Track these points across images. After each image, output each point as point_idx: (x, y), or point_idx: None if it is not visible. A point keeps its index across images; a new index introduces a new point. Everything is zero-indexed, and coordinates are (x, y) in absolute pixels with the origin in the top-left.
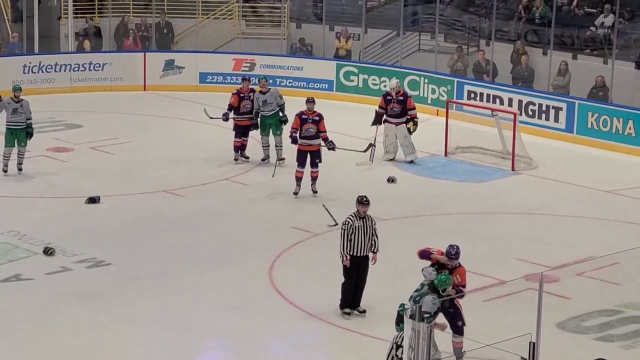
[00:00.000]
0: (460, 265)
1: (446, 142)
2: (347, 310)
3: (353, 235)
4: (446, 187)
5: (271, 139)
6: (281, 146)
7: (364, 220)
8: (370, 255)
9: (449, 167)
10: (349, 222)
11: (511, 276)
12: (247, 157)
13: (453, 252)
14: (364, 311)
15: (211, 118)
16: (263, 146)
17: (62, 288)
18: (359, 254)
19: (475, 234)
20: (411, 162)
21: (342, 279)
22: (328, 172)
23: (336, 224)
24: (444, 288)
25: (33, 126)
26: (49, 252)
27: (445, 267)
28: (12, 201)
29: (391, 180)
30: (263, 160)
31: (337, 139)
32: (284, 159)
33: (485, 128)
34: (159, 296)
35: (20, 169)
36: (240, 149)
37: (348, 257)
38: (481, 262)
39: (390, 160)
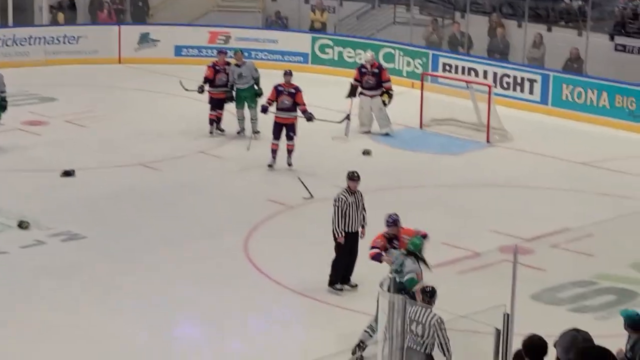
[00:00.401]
0: (400, 228)
1: (421, 115)
2: (338, 286)
3: (347, 211)
4: (421, 160)
5: (246, 112)
6: (256, 119)
7: (355, 195)
8: (360, 229)
9: (424, 139)
10: (342, 199)
11: (486, 248)
12: (223, 130)
13: (391, 220)
14: (356, 285)
15: (187, 90)
16: (238, 119)
17: (36, 262)
18: (352, 230)
19: (450, 206)
20: (386, 134)
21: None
22: (304, 145)
23: (312, 197)
24: (419, 249)
25: (7, 99)
26: (24, 225)
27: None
28: None
29: (366, 152)
30: (238, 133)
31: (312, 111)
32: (258, 132)
33: (460, 100)
34: (134, 270)
35: None
36: (215, 121)
37: (343, 234)
38: (456, 234)
39: (366, 132)
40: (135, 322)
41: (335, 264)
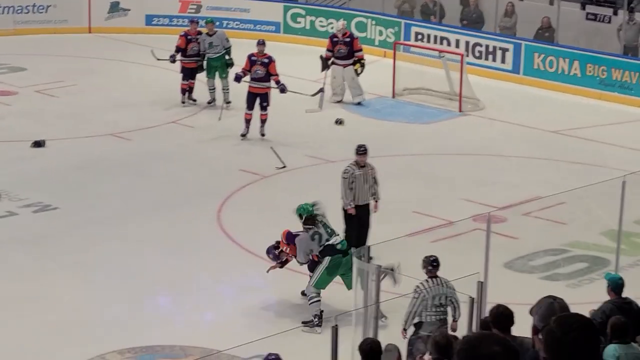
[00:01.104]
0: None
1: (394, 84)
2: None
3: (354, 184)
4: (394, 129)
5: (217, 81)
6: (228, 89)
7: (365, 168)
8: (372, 203)
9: (397, 108)
10: (349, 171)
11: (458, 217)
12: (195, 100)
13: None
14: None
15: (158, 59)
16: (209, 89)
17: (7, 233)
18: (360, 203)
19: (423, 175)
20: (359, 103)
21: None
22: (277, 114)
23: (284, 167)
24: (311, 213)
25: None
26: None
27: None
28: None
29: (339, 122)
30: (209, 103)
31: (285, 81)
32: (230, 102)
33: (432, 69)
34: (105, 241)
35: None
36: (187, 91)
37: (352, 205)
38: (428, 203)
39: (338, 102)
40: (107, 292)
41: (346, 235)
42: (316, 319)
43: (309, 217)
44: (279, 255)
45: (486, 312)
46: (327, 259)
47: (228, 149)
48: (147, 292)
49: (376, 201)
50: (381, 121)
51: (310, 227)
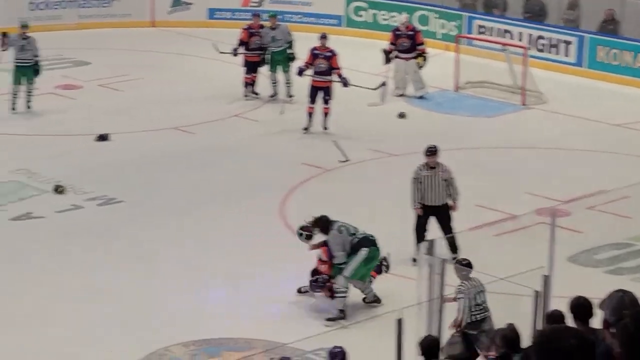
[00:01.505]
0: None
1: (456, 77)
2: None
3: (421, 185)
4: (456, 122)
5: (280, 75)
6: (290, 83)
7: (434, 170)
8: (447, 202)
9: (459, 102)
10: (416, 171)
11: (522, 210)
12: (257, 94)
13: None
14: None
15: (220, 52)
16: (272, 83)
17: (72, 226)
18: (432, 204)
19: (486, 169)
20: (421, 97)
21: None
22: (339, 108)
23: (347, 160)
24: None
25: (40, 63)
26: (60, 190)
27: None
28: (21, 139)
29: (401, 115)
30: (271, 96)
31: (347, 75)
32: (292, 96)
33: (495, 63)
34: (170, 234)
35: (29, 107)
36: (250, 85)
37: (418, 205)
38: (492, 197)
39: (400, 95)
40: (171, 285)
41: (415, 233)
42: (342, 313)
43: (323, 222)
44: (323, 283)
45: (551, 307)
46: (365, 250)
47: (291, 142)
48: (211, 284)
49: (454, 201)
50: (443, 115)
51: (327, 228)
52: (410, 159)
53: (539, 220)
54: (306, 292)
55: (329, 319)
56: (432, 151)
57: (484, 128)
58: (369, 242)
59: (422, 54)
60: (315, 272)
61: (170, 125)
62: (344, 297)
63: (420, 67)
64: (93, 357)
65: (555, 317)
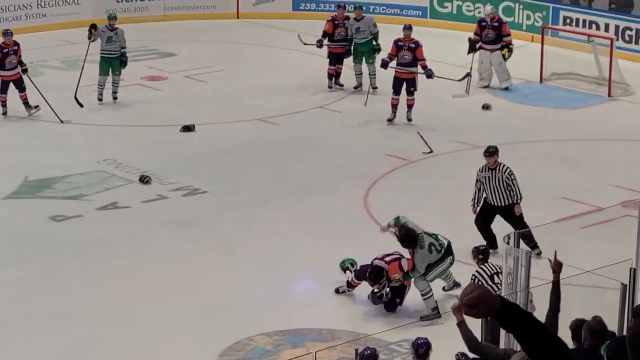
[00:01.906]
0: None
1: (541, 69)
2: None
3: (481, 185)
4: (541, 114)
5: (364, 67)
6: (374, 74)
7: (494, 171)
8: (511, 203)
9: (545, 93)
10: (478, 173)
11: (607, 203)
12: (342, 85)
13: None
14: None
15: (305, 44)
16: (356, 74)
17: (158, 216)
18: (496, 204)
19: (571, 161)
20: (506, 88)
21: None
22: (424, 99)
23: (431, 151)
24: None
25: (127, 55)
26: (145, 180)
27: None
28: (107, 130)
29: (486, 107)
30: (355, 88)
31: (432, 66)
32: (376, 87)
33: (581, 54)
34: (254, 225)
35: (115, 98)
36: (334, 76)
37: (474, 206)
38: (578, 189)
39: (485, 87)
40: (255, 275)
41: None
42: (435, 311)
43: (411, 237)
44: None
45: (638, 300)
46: (450, 258)
47: (375, 133)
48: (295, 275)
49: (517, 203)
50: (528, 106)
51: (415, 244)
52: None
53: (625, 212)
54: (343, 292)
55: (423, 318)
56: (490, 152)
57: (570, 120)
58: (448, 252)
59: (507, 46)
60: (376, 273)
61: (254, 116)
62: (431, 295)
63: (506, 58)
64: (178, 346)
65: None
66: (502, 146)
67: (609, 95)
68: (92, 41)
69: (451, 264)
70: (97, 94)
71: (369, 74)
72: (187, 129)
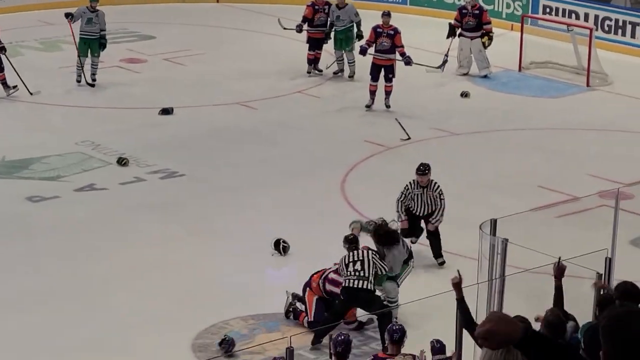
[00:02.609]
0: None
1: (520, 57)
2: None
3: (409, 201)
4: (520, 102)
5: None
6: (353, 62)
7: (426, 189)
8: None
9: (523, 82)
10: (407, 188)
11: (585, 192)
12: (321, 70)
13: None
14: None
15: (284, 29)
16: (337, 60)
17: (135, 199)
18: (417, 214)
19: (549, 150)
20: (485, 76)
21: None
22: (402, 86)
23: (409, 138)
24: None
25: (106, 37)
26: (123, 162)
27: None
28: (85, 111)
29: (465, 94)
30: (335, 73)
31: (410, 53)
32: (352, 76)
33: (560, 43)
34: (231, 209)
35: (94, 80)
36: (313, 62)
37: (404, 218)
38: (554, 178)
39: (464, 74)
40: (232, 260)
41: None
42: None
43: (393, 235)
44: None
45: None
46: (412, 262)
47: (353, 120)
48: (271, 261)
49: (434, 222)
50: (507, 94)
51: (397, 241)
52: (472, 138)
53: (601, 202)
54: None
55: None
56: (423, 171)
57: (548, 109)
58: (410, 254)
59: (487, 34)
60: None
61: (233, 100)
62: (397, 306)
63: (486, 46)
64: (153, 329)
65: (607, 300)
66: (480, 134)
67: (588, 84)
68: (72, 22)
69: (413, 267)
70: (76, 75)
71: (348, 62)
72: (166, 112)
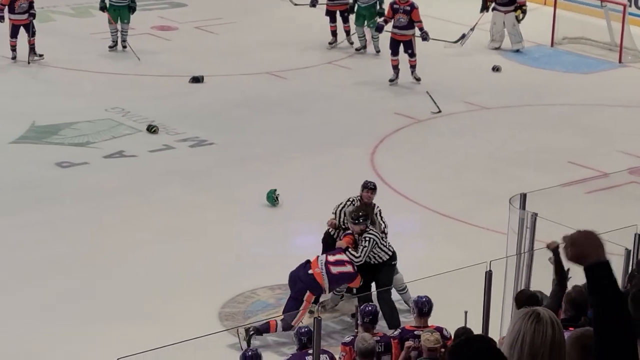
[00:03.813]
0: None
1: (553, 32)
2: None
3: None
4: (551, 78)
5: (367, 30)
6: (377, 37)
7: (366, 207)
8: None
9: (555, 57)
10: (344, 204)
11: (614, 169)
12: (352, 43)
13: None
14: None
15: (295, 5)
16: (359, 36)
17: (164, 166)
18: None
19: (579, 126)
20: (517, 51)
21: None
22: (433, 59)
23: (439, 111)
24: None
25: (138, 4)
26: (152, 129)
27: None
28: (116, 78)
29: (496, 69)
30: (357, 50)
31: (439, 26)
32: (379, 50)
33: (593, 19)
34: (260, 178)
35: (124, 46)
36: (335, 34)
37: (332, 222)
38: (584, 154)
39: (496, 48)
40: (260, 228)
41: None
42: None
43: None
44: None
45: None
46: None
47: (384, 92)
48: (299, 231)
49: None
50: (539, 69)
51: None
52: (503, 112)
53: (631, 179)
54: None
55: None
56: (372, 186)
57: (579, 85)
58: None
59: (521, 7)
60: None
61: (263, 69)
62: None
63: (519, 20)
64: (180, 297)
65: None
66: (511, 108)
67: (620, 61)
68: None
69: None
70: (111, 42)
71: (372, 38)
72: (196, 80)
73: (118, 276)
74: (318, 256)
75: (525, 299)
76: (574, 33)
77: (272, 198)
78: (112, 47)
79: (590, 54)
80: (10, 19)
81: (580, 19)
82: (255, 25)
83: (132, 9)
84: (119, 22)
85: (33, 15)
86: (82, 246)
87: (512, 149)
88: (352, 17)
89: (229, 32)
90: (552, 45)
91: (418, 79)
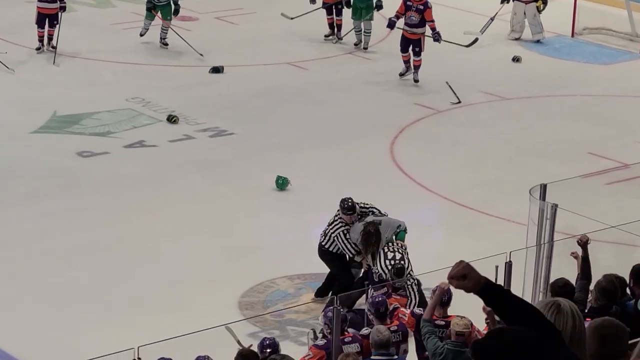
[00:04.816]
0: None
1: (574, 23)
2: None
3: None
4: (572, 68)
5: (363, 24)
6: (369, 32)
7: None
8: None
9: (576, 48)
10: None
11: (635, 160)
12: (341, 38)
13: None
14: None
15: (292, 19)
16: (355, 31)
17: (184, 156)
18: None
19: (600, 117)
20: (538, 41)
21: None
22: (452, 49)
23: (459, 102)
24: None
25: (179, 3)
26: (173, 119)
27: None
28: (136, 68)
29: (516, 59)
30: (355, 45)
31: (458, 15)
32: (367, 48)
33: (614, 9)
34: (280, 170)
35: (165, 44)
36: (332, 27)
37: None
38: (605, 145)
39: (516, 39)
40: (279, 218)
41: None
42: None
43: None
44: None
45: None
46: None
47: (403, 83)
48: (318, 221)
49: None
50: (559, 60)
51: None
52: (523, 103)
53: None
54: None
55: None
56: (346, 207)
57: (600, 75)
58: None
59: None
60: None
61: (283, 60)
62: None
63: (540, 10)
64: (200, 286)
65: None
66: (531, 99)
67: None
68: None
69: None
70: (142, 29)
71: (364, 31)
72: (216, 70)
73: (138, 265)
74: None
75: (559, 287)
76: (594, 23)
77: (280, 182)
78: (143, 35)
79: (610, 45)
80: (37, 7)
81: (601, 9)
82: (276, 16)
83: (176, 11)
84: (156, 18)
85: (63, 8)
86: (102, 235)
87: (532, 139)
88: (348, 12)
89: (250, 23)
90: (572, 35)
91: (416, 81)
